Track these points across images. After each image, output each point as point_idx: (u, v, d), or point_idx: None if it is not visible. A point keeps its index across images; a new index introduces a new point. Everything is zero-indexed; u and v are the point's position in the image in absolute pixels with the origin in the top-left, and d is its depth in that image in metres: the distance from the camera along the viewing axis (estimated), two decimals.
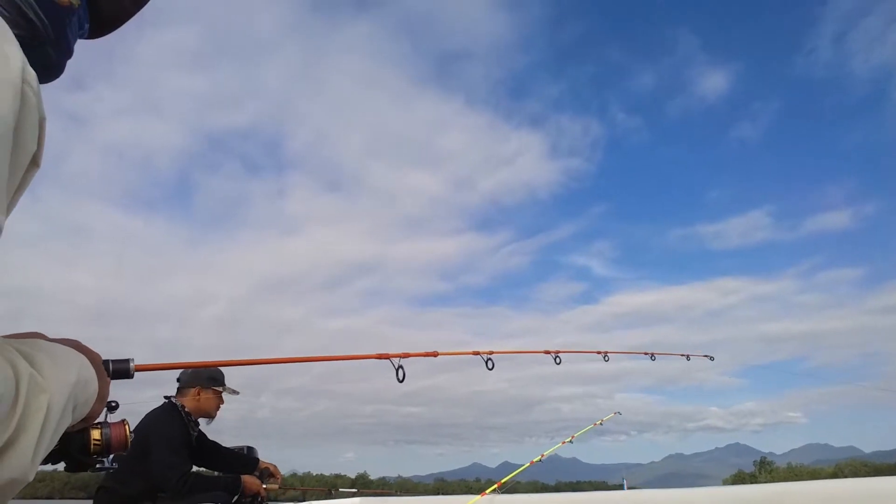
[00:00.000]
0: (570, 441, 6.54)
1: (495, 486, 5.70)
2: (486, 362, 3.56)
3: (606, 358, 4.88)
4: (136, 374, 1.58)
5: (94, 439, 1.36)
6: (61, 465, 1.41)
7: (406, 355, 2.97)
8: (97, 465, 1.43)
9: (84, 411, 0.98)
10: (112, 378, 1.32)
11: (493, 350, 3.60)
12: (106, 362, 1.14)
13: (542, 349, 4.24)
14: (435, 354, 3.28)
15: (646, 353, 5.56)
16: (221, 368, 3.77)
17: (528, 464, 6.25)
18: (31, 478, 0.96)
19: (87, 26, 1.02)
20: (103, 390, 1.02)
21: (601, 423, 7.01)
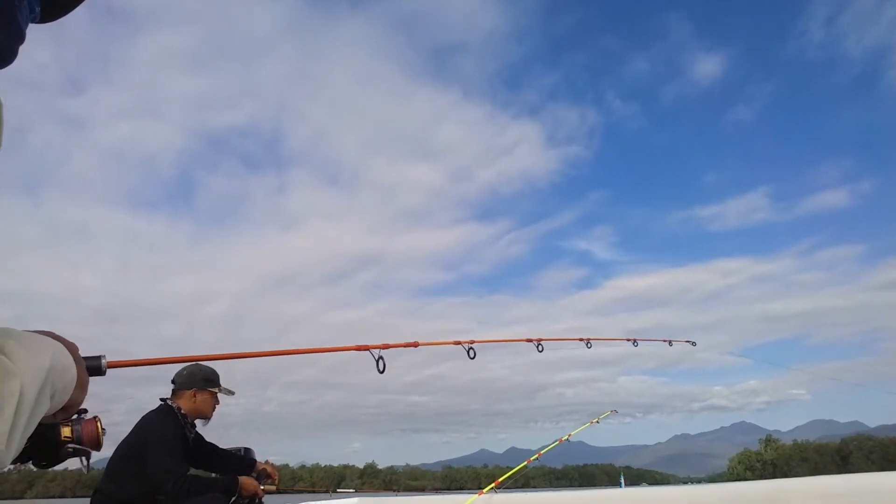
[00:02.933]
0: (567, 439, 6.64)
1: (493, 484, 5.80)
2: (468, 352, 3.52)
3: (589, 345, 4.79)
4: (110, 370, 1.63)
5: (65, 436, 1.37)
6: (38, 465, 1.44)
7: (386, 346, 2.92)
8: (71, 460, 1.45)
9: (63, 398, 0.98)
10: None
11: (475, 339, 3.56)
12: None
13: (525, 337, 4.19)
14: (416, 345, 3.23)
15: (628, 339, 5.48)
16: (217, 369, 3.75)
17: (525, 462, 6.44)
18: (6, 464, 0.96)
19: (38, 10, 0.98)
20: (82, 378, 0.99)
21: (597, 421, 7.14)
